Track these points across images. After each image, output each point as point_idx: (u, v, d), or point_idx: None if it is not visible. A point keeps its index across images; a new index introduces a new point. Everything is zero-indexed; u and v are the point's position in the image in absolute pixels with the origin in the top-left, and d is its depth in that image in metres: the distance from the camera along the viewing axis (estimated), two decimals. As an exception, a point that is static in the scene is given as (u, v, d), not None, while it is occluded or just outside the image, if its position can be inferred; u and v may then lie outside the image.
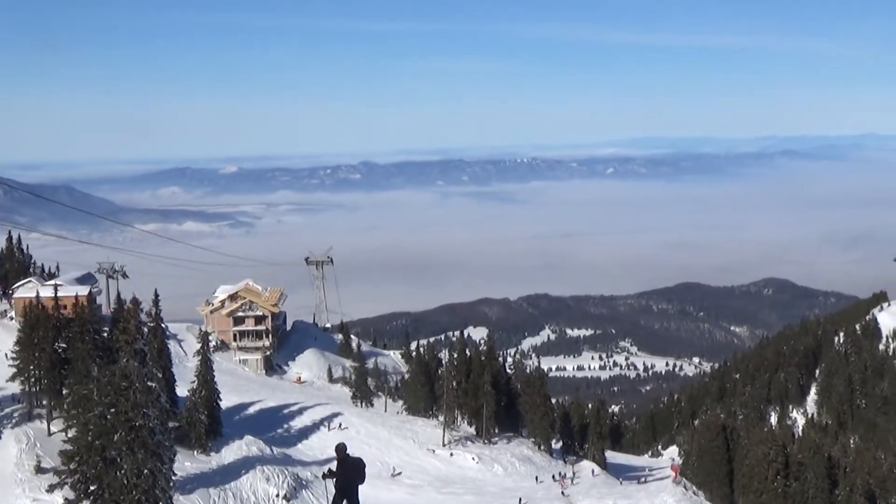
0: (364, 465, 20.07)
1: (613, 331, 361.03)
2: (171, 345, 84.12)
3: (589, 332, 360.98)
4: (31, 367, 60.68)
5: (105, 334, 63.38)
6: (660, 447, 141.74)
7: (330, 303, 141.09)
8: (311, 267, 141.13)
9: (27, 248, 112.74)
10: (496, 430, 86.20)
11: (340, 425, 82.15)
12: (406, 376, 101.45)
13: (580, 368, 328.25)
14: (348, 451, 19.97)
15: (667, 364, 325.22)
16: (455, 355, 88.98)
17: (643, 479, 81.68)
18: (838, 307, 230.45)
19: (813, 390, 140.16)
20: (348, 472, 19.81)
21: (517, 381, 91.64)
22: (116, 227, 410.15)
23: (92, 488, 43.05)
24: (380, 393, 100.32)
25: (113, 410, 43.11)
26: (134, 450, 43.39)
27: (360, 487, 19.97)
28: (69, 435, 49.93)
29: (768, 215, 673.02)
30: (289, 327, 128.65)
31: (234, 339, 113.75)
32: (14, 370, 61.53)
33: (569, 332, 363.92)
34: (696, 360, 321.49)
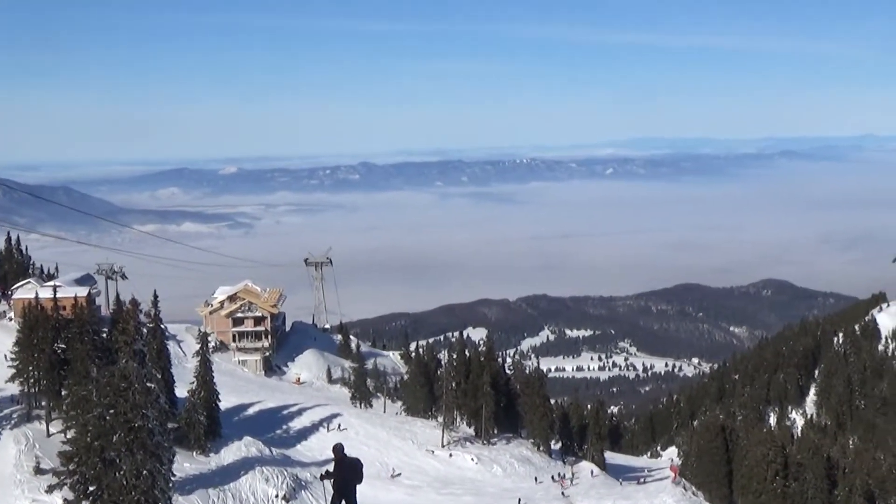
0: (362, 466, 20.06)
1: (612, 331, 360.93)
2: (171, 346, 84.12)
3: (588, 333, 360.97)
4: (31, 368, 60.64)
5: (104, 335, 63.36)
6: (659, 448, 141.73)
7: (329, 303, 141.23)
8: (311, 268, 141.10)
9: (26, 248, 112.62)
10: (495, 431, 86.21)
11: (340, 426, 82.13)
12: (405, 377, 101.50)
13: (579, 369, 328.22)
14: (346, 452, 19.96)
15: (666, 365, 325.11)
16: (454, 356, 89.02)
17: (642, 480, 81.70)
18: (837, 308, 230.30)
19: (812, 391, 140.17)
20: (346, 473, 19.80)
21: (516, 382, 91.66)
22: (115, 227, 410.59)
23: (91, 489, 43.05)
24: (379, 394, 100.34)
25: (112, 411, 43.12)
26: (133, 451, 43.39)
27: (358, 488, 19.96)
28: (68, 436, 49.90)
29: (767, 216, 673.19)
30: (288, 328, 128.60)
31: (234, 340, 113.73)
32: (13, 371, 61.49)
33: (568, 332, 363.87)
34: (695, 360, 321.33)
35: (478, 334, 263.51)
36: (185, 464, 59.77)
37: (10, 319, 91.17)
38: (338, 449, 19.89)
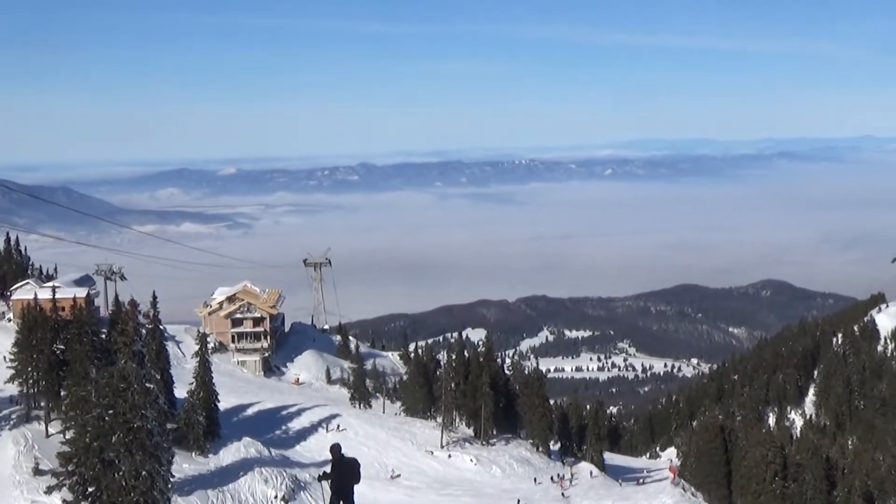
0: (359, 466, 20.03)
1: (612, 332, 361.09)
2: (170, 346, 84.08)
3: (587, 334, 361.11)
4: (30, 369, 60.63)
5: (103, 336, 63.38)
6: (658, 448, 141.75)
7: (328, 304, 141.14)
8: (310, 268, 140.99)
9: (25, 249, 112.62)
10: (494, 432, 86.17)
11: (339, 427, 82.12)
12: (404, 378, 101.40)
13: (578, 370, 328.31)
14: (343, 452, 19.94)
15: (665, 365, 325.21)
16: (453, 357, 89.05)
17: (641, 481, 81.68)
18: (836, 308, 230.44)
19: (811, 391, 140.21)
20: (343, 473, 19.77)
21: (515, 383, 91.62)
22: (114, 228, 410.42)
23: (90, 490, 43.03)
24: (378, 394, 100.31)
25: (111, 412, 43.10)
26: (132, 451, 43.38)
27: (356, 488, 19.92)
28: (67, 436, 49.86)
29: (766, 217, 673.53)
30: (287, 329, 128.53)
31: (233, 341, 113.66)
32: (12, 372, 61.50)
33: (567, 333, 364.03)
34: (694, 361, 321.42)
35: (477, 335, 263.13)
36: (184, 464, 59.79)
37: (10, 320, 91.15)
38: (335, 449, 19.86)
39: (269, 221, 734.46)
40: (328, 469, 20.02)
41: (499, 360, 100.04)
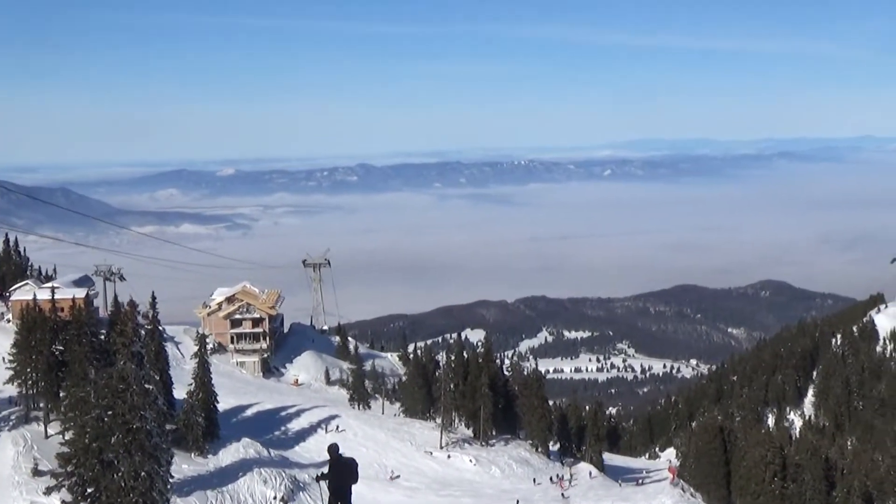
0: (356, 465, 20.02)
1: (611, 333, 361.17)
2: (169, 347, 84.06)
3: (586, 334, 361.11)
4: (29, 370, 60.62)
5: (102, 337, 63.35)
6: (657, 449, 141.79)
7: (327, 305, 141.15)
8: (309, 269, 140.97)
9: (24, 250, 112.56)
10: (493, 433, 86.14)
11: (338, 427, 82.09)
12: (403, 378, 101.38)
13: (577, 370, 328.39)
14: (341, 452, 19.94)
15: (664, 366, 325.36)
16: (452, 357, 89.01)
17: (640, 481, 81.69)
18: (835, 309, 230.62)
19: (810, 392, 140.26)
20: (341, 473, 19.78)
21: (514, 384, 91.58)
22: (113, 229, 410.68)
23: (89, 491, 43.01)
24: (377, 395, 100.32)
25: (110, 413, 43.09)
26: (131, 452, 43.37)
27: (355, 489, 19.93)
28: (66, 437, 49.85)
29: (766, 217, 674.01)
30: (286, 329, 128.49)
31: (232, 342, 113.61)
32: (11, 373, 61.49)
33: (566, 334, 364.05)
34: (693, 362, 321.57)
35: (476, 336, 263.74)
36: (184, 465, 59.77)
37: (9, 321, 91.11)
38: (333, 449, 19.87)
39: (268, 222, 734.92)
40: (326, 469, 20.04)
41: (498, 360, 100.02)
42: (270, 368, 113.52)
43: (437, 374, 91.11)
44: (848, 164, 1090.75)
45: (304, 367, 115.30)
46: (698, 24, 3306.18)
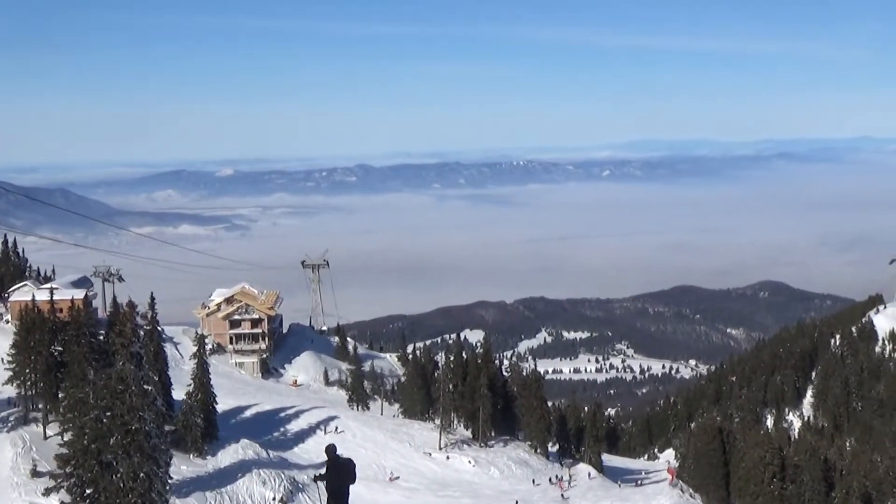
0: (354, 466, 20.00)
1: (610, 333, 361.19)
2: (168, 348, 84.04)
3: (585, 335, 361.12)
4: (27, 371, 60.64)
5: (101, 338, 63.37)
6: (656, 450, 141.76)
7: (326, 306, 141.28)
8: (308, 270, 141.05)
9: (23, 251, 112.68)
10: (492, 433, 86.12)
11: (337, 428, 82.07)
12: (402, 379, 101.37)
13: (576, 371, 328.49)
14: (338, 452, 19.93)
15: (663, 367, 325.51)
16: (451, 358, 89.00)
17: (640, 482, 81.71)
18: (834, 310, 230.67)
19: (809, 393, 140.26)
20: (339, 474, 19.77)
21: (513, 384, 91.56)
22: (112, 230, 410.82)
23: (88, 492, 43.01)
24: (376, 396, 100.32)
25: (109, 414, 43.09)
26: (130, 453, 43.36)
27: (354, 489, 19.91)
28: (65, 438, 49.89)
29: (765, 218, 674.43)
30: (285, 330, 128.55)
31: (231, 343, 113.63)
32: (10, 373, 61.49)
33: (565, 334, 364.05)
34: (692, 362, 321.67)
35: (475, 336, 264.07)
36: (182, 466, 59.79)
37: (7, 322, 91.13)
38: (330, 450, 19.86)
39: (267, 223, 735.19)
40: (324, 470, 20.04)
41: (497, 361, 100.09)
42: (269, 369, 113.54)
43: (436, 374, 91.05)
44: (846, 164, 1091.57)
45: (303, 368, 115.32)
46: (697, 25, 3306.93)
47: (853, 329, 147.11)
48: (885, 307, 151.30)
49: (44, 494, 49.67)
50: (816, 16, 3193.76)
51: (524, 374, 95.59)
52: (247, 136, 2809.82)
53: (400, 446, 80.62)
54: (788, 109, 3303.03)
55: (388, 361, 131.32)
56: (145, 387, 45.68)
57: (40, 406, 61.07)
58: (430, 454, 79.66)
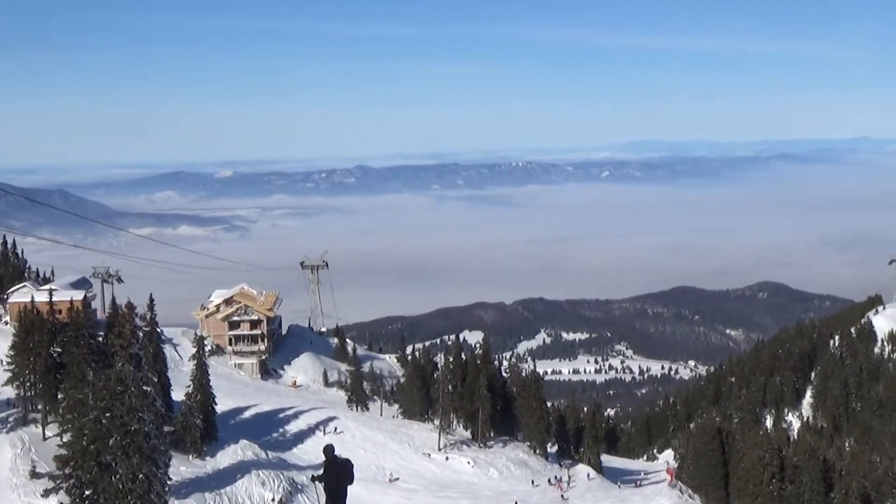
0: (352, 466, 19.98)
1: (609, 334, 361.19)
2: (167, 349, 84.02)
3: (584, 336, 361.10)
4: (27, 372, 60.62)
5: (100, 339, 63.37)
6: (655, 451, 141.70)
7: (325, 307, 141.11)
8: (307, 271, 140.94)
9: (22, 252, 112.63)
10: (492, 434, 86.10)
11: (336, 429, 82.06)
12: (402, 380, 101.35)
13: (576, 372, 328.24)
14: (336, 453, 19.93)
15: (662, 367, 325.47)
16: (451, 359, 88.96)
17: (639, 483, 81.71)
18: (833, 310, 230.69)
19: (808, 393, 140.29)
20: (337, 474, 19.77)
21: (513, 385, 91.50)
22: (111, 231, 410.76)
23: (87, 493, 43.01)
24: (375, 397, 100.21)
25: (108, 415, 43.10)
26: (129, 454, 43.36)
27: (353, 490, 19.90)
28: (64, 439, 49.89)
29: (764, 219, 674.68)
30: (284, 331, 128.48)
31: (230, 344, 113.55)
32: (9, 375, 61.47)
33: (564, 335, 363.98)
34: (691, 363, 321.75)
35: (474, 337, 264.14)
36: (182, 467, 59.76)
37: (6, 323, 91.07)
38: (328, 450, 19.85)
39: (266, 224, 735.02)
40: (321, 471, 20.04)
41: (496, 362, 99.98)
42: (268, 370, 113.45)
43: (435, 375, 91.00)
44: (845, 165, 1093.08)
45: (303, 369, 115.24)
46: (696, 25, 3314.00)
47: (852, 330, 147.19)
48: (884, 308, 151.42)
49: (43, 495, 49.66)
50: (816, 16, 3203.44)
51: (523, 374, 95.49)
52: (246, 137, 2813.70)
53: (399, 447, 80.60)
54: (787, 110, 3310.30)
55: (388, 362, 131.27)
56: (144, 388, 45.68)
57: (39, 407, 61.05)
58: (430, 455, 79.65)
